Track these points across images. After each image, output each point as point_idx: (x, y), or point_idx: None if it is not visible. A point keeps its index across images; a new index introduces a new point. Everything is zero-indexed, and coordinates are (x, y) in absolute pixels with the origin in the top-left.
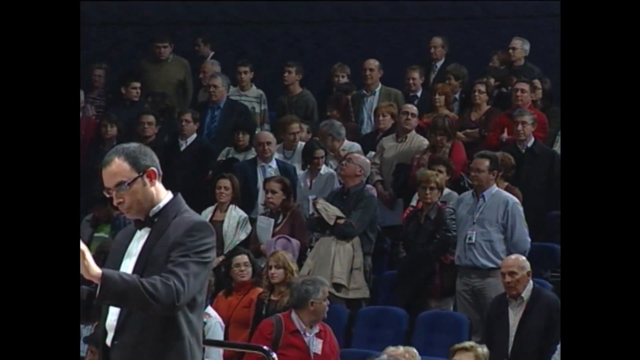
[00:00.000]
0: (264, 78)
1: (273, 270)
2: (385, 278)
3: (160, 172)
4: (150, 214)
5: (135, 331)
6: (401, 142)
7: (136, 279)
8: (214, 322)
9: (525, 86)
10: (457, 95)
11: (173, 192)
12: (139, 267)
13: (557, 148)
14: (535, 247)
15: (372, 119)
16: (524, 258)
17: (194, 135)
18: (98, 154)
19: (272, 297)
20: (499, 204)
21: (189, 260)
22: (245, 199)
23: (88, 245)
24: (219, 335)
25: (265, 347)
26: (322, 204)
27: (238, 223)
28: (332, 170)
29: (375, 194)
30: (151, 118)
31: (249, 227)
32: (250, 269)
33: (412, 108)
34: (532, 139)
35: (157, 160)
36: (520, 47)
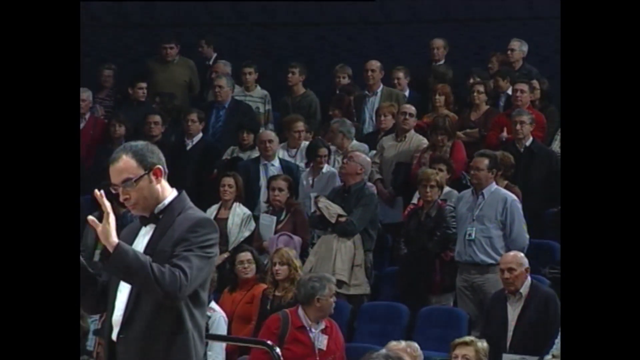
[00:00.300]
0: (268, 79)
1: (277, 267)
2: (387, 274)
3: (166, 170)
4: (156, 211)
5: (140, 326)
6: (400, 141)
7: (148, 260)
8: (218, 316)
9: (525, 87)
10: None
11: (178, 189)
12: None
13: (555, 147)
14: (533, 244)
15: (374, 119)
16: (522, 255)
17: (200, 135)
18: (106, 153)
19: (277, 293)
20: (498, 202)
21: (193, 255)
22: (249, 197)
23: (95, 243)
24: (223, 330)
25: (269, 342)
26: (323, 202)
27: (242, 220)
28: (333, 169)
29: (376, 192)
30: (157, 118)
31: (252, 224)
32: (253, 266)
33: (410, 108)
34: (531, 139)
35: (163, 159)
36: (519, 48)
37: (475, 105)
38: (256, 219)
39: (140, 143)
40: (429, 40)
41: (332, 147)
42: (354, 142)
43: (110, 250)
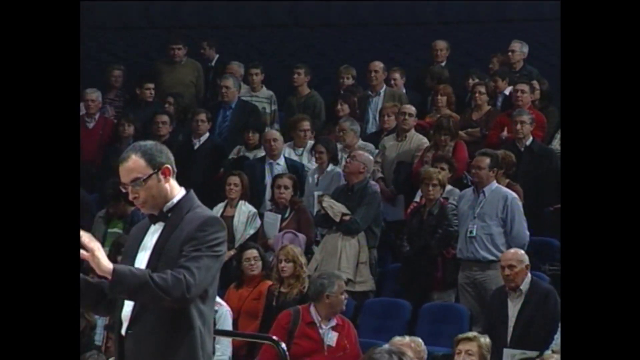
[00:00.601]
0: (274, 79)
1: (283, 263)
2: (390, 271)
3: (175, 169)
4: (164, 209)
5: (149, 322)
6: (401, 141)
7: (147, 273)
8: (224, 310)
9: (525, 87)
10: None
11: (186, 188)
12: (153, 260)
13: (554, 146)
14: (533, 242)
15: (377, 118)
16: (522, 252)
17: (207, 134)
18: (115, 152)
19: (282, 290)
20: (498, 199)
21: (201, 254)
22: (255, 195)
23: (103, 240)
24: (229, 324)
25: (274, 337)
26: (327, 202)
27: (248, 218)
28: (338, 168)
29: (379, 189)
30: (165, 118)
31: (258, 222)
32: (260, 263)
33: (410, 108)
34: (531, 138)
35: (172, 158)
36: (519, 49)
37: (477, 105)
38: (262, 216)
39: (149, 143)
40: (431, 42)
41: (339, 146)
42: (360, 141)
43: (108, 277)
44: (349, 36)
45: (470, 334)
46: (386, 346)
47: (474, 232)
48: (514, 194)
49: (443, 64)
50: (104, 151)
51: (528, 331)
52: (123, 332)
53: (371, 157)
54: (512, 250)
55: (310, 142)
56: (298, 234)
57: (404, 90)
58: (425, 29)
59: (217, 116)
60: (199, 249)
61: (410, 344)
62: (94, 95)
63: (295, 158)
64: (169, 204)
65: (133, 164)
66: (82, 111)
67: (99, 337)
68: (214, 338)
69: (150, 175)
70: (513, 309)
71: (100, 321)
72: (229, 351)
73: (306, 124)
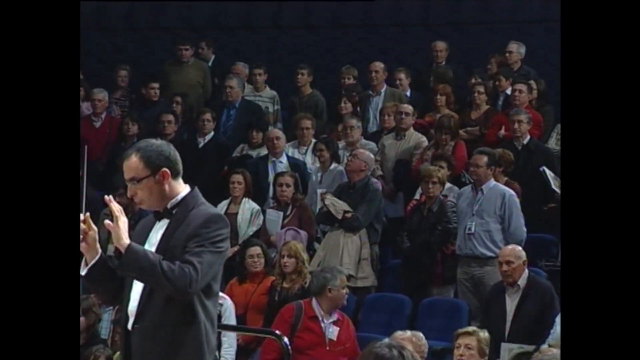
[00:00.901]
0: (277, 79)
1: (285, 259)
2: (391, 267)
3: (179, 170)
4: (169, 206)
5: (154, 316)
6: (400, 139)
7: (158, 259)
8: (228, 303)
9: (523, 87)
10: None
11: (191, 185)
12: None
13: (550, 145)
14: (530, 238)
15: (378, 118)
16: (520, 248)
17: (212, 133)
18: (120, 151)
19: (284, 285)
20: (496, 197)
21: (205, 250)
22: (258, 193)
23: (108, 236)
24: (233, 316)
25: (277, 332)
26: (330, 199)
27: (251, 215)
28: (340, 167)
29: (380, 187)
30: (171, 117)
31: (261, 219)
32: (263, 260)
33: (408, 108)
34: (528, 137)
35: (175, 159)
36: (517, 50)
37: (476, 104)
38: (265, 214)
39: (154, 144)
40: (431, 43)
41: (341, 144)
42: (362, 140)
43: (122, 251)
44: (350, 37)
45: (470, 328)
46: (386, 340)
47: (473, 229)
48: (512, 192)
49: (442, 64)
50: (110, 150)
51: (525, 326)
52: (129, 326)
53: (372, 156)
54: (510, 247)
55: (314, 141)
56: (300, 230)
57: (409, 91)
58: (425, 29)
59: (221, 115)
60: (202, 244)
61: (412, 338)
62: (100, 95)
63: (299, 157)
64: (174, 201)
65: (132, 163)
66: (90, 110)
67: (105, 331)
68: (219, 332)
69: (146, 177)
70: (511, 304)
71: (107, 315)
72: (234, 343)
73: (306, 122)
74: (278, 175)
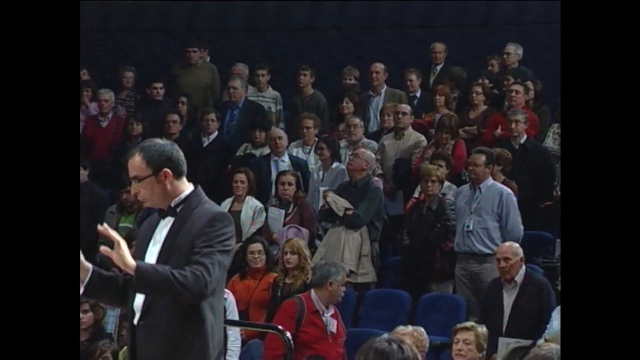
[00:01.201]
0: (282, 80)
1: (288, 255)
2: (391, 263)
3: (183, 170)
4: (173, 204)
5: (160, 313)
6: (399, 139)
7: (168, 270)
8: (231, 299)
9: (520, 88)
10: (454, 95)
11: (195, 184)
12: (163, 254)
13: (547, 144)
14: (527, 235)
15: (378, 118)
16: (517, 245)
17: (216, 133)
18: (125, 150)
19: (287, 281)
20: (494, 195)
21: (213, 250)
22: (261, 191)
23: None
24: (235, 312)
25: (279, 327)
26: (332, 197)
27: (254, 212)
28: (342, 166)
29: (381, 186)
30: (176, 117)
31: (264, 216)
32: (264, 257)
33: (405, 107)
34: (525, 136)
35: (179, 158)
36: (514, 51)
37: (474, 104)
38: (267, 211)
39: (157, 144)
40: (430, 44)
41: (343, 143)
42: (364, 139)
43: (132, 273)
44: (353, 38)
45: (468, 323)
46: (385, 335)
47: (471, 227)
48: (509, 190)
49: (440, 65)
50: (116, 149)
51: (522, 321)
52: (135, 322)
53: (373, 155)
54: (508, 244)
55: (317, 140)
56: (301, 228)
57: (419, 91)
58: (424, 31)
59: (225, 115)
60: (210, 244)
61: (413, 333)
62: (107, 95)
63: (303, 156)
64: (177, 199)
65: (134, 162)
66: (96, 111)
67: (111, 326)
68: (224, 328)
69: (147, 177)
70: (508, 299)
71: (114, 311)
72: (239, 337)
73: (308, 122)
74: (280, 173)
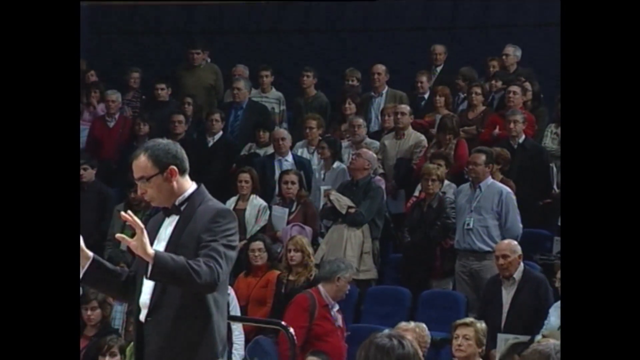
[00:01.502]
0: (283, 81)
1: (292, 253)
2: (392, 260)
3: (186, 167)
4: (177, 203)
5: (167, 309)
6: (400, 139)
7: (184, 259)
8: (232, 295)
9: (517, 89)
10: (464, 95)
11: (198, 183)
12: (169, 251)
13: (545, 144)
14: (526, 233)
15: (379, 118)
16: (515, 243)
17: (220, 133)
18: (132, 150)
19: (290, 278)
20: (494, 194)
21: (220, 245)
22: (265, 190)
23: (121, 232)
24: (237, 308)
25: (283, 323)
26: (334, 195)
27: (258, 211)
28: (343, 165)
29: (384, 185)
30: (181, 117)
31: (267, 215)
32: (265, 254)
33: (404, 108)
34: (523, 136)
35: (182, 157)
36: (513, 53)
37: (473, 105)
38: (271, 210)
39: (162, 143)
40: (430, 46)
41: (346, 143)
42: (367, 138)
43: (149, 261)
44: (353, 40)
45: (467, 319)
46: (386, 331)
47: (471, 225)
48: (509, 189)
49: (440, 66)
50: (123, 149)
51: (520, 317)
52: (142, 318)
53: (375, 155)
54: (506, 241)
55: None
56: (304, 226)
57: (428, 92)
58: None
59: (229, 116)
60: (216, 240)
61: (415, 329)
62: (114, 96)
63: (307, 156)
64: (181, 198)
65: (140, 163)
66: (104, 111)
67: (117, 322)
68: (229, 323)
69: (154, 175)
70: (507, 296)
71: (121, 307)
72: (242, 332)
73: (311, 122)
74: (283, 173)
